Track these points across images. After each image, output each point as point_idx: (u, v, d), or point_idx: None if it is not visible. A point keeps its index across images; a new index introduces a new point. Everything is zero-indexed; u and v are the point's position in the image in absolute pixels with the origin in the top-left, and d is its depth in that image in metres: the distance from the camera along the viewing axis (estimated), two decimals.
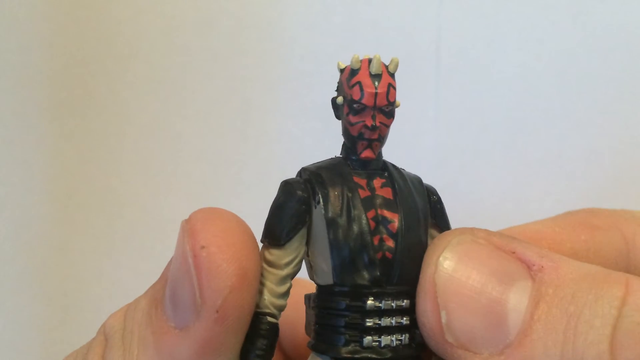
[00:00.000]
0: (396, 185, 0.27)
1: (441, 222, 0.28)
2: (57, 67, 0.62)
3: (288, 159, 0.63)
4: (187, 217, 0.26)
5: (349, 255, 0.25)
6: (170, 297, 0.25)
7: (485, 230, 0.26)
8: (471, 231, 0.26)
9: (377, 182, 0.27)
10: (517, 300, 0.23)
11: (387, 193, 0.26)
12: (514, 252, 0.24)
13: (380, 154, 0.28)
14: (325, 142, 0.61)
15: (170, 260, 0.26)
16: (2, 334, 0.63)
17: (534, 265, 0.24)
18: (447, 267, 0.24)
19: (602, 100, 0.61)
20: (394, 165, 0.28)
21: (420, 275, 0.25)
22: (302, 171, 0.28)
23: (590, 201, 0.62)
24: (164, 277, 0.27)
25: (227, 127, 0.63)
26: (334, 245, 0.26)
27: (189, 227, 0.25)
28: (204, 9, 0.63)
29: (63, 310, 0.63)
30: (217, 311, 0.24)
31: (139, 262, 0.63)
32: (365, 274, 0.25)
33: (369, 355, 0.25)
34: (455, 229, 0.27)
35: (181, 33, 0.62)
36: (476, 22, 0.61)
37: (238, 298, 0.24)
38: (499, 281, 0.24)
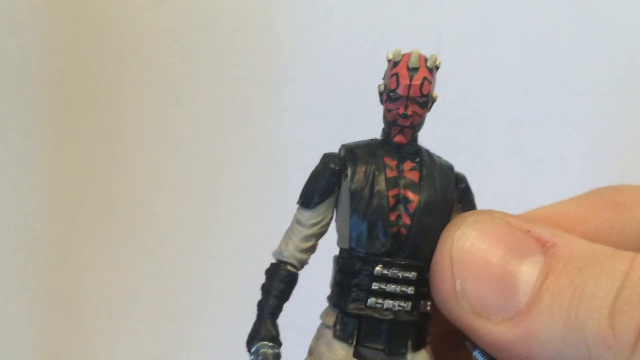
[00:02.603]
0: (424, 170, 0.29)
1: (467, 208, 0.30)
2: (57, 67, 0.62)
3: (288, 159, 0.63)
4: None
5: (366, 225, 0.28)
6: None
7: (502, 212, 0.28)
8: (488, 212, 0.28)
9: (407, 165, 0.29)
10: (528, 272, 0.25)
11: (414, 176, 0.29)
12: (528, 231, 0.26)
13: (414, 140, 0.30)
14: (325, 141, 0.61)
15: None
16: (2, 334, 0.63)
17: (547, 242, 0.26)
18: (463, 242, 0.27)
19: (603, 100, 0.61)
20: (428, 152, 0.30)
21: (437, 249, 0.28)
22: (341, 147, 0.30)
23: None
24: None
25: (226, 127, 0.63)
26: (354, 215, 0.28)
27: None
28: (203, 9, 0.63)
29: (63, 310, 0.63)
30: None
31: (139, 262, 0.63)
32: (378, 244, 0.28)
33: (371, 314, 0.28)
34: (473, 210, 0.29)
35: (181, 33, 0.62)
36: (476, 22, 0.61)
37: None
38: (513, 255, 0.26)
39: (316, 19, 0.62)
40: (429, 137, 0.59)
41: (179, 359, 0.65)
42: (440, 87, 0.65)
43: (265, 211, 0.64)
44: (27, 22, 0.62)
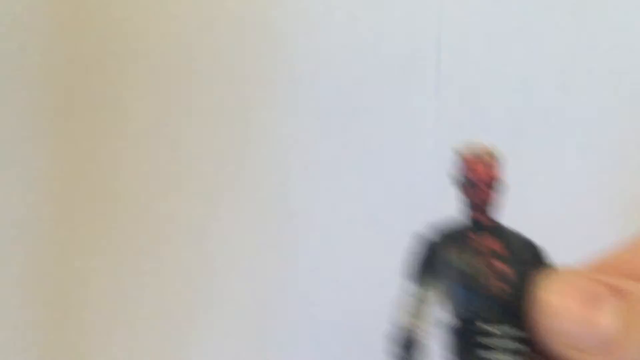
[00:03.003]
0: (508, 244, 0.34)
1: (547, 270, 0.35)
2: (57, 67, 0.63)
3: (288, 159, 0.63)
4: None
5: (467, 295, 0.33)
6: None
7: (577, 268, 0.33)
8: (567, 270, 0.33)
9: (491, 240, 0.34)
10: (609, 318, 0.30)
11: (499, 249, 0.34)
12: (602, 281, 0.31)
13: (492, 217, 0.35)
14: (325, 142, 0.62)
15: None
16: (1, 334, 0.63)
17: (619, 289, 0.31)
18: (552, 296, 0.32)
19: (604, 101, 0.61)
20: (507, 227, 0.35)
21: (532, 307, 0.33)
22: (430, 229, 0.35)
23: (592, 201, 0.62)
24: None
25: (227, 127, 0.63)
26: (454, 287, 0.33)
27: None
28: (204, 8, 0.63)
29: (63, 311, 0.63)
30: None
31: (139, 262, 0.63)
32: (480, 309, 0.33)
33: None
34: (554, 270, 0.34)
35: (182, 33, 0.63)
36: (477, 21, 0.61)
37: None
38: (595, 302, 0.31)
39: (316, 19, 0.62)
40: (429, 139, 0.60)
41: (179, 359, 0.65)
42: (441, 87, 0.66)
43: (266, 211, 0.64)
44: (27, 22, 0.62)
